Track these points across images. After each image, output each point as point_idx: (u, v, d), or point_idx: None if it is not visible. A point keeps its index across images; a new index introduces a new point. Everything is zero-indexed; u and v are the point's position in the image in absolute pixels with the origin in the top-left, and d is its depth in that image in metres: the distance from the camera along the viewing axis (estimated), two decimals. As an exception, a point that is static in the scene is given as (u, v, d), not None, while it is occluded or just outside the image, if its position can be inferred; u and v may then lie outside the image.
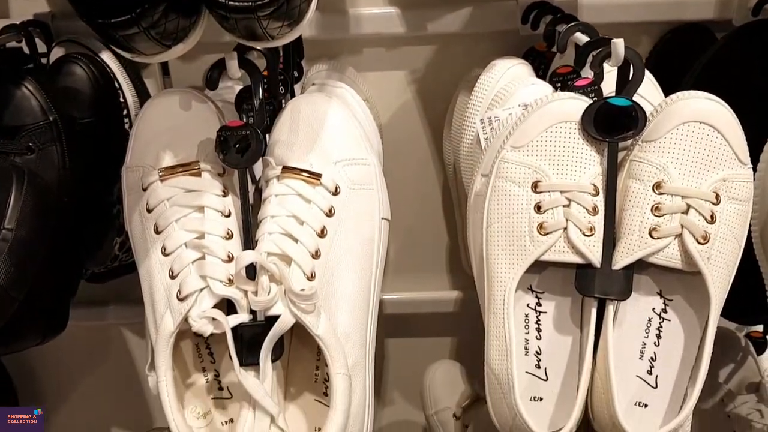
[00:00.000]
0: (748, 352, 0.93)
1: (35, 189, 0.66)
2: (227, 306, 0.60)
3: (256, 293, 0.59)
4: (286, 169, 0.63)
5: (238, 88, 0.67)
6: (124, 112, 0.82)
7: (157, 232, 0.61)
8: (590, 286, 0.59)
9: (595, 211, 0.59)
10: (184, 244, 0.60)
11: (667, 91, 0.64)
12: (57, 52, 0.81)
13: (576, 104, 0.60)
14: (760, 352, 0.95)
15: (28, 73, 0.72)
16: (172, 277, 0.60)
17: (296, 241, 0.60)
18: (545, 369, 0.62)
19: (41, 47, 0.81)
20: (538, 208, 0.59)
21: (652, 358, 0.61)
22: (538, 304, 0.62)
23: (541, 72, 0.80)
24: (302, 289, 0.57)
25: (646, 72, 0.62)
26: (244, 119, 0.63)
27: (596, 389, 0.59)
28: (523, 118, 0.62)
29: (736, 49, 0.79)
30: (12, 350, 0.73)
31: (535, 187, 0.60)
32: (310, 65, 0.86)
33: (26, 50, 0.79)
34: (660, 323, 0.61)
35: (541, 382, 0.62)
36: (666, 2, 0.84)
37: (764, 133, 0.67)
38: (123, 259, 0.83)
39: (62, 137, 0.72)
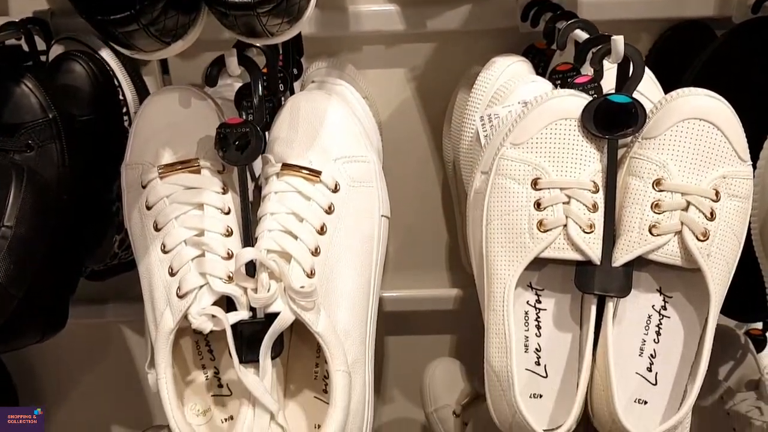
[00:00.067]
0: (747, 349, 0.93)
1: (35, 186, 0.66)
2: (227, 303, 0.60)
3: (255, 290, 0.59)
4: (286, 167, 0.63)
5: (238, 85, 0.67)
6: (124, 110, 0.82)
7: (157, 229, 0.61)
8: (590, 283, 0.59)
9: (594, 208, 0.59)
10: (184, 241, 0.60)
11: (667, 88, 0.64)
12: (56, 50, 0.81)
13: (576, 101, 0.60)
14: (759, 349, 0.95)
15: (28, 71, 0.72)
16: (172, 274, 0.60)
17: (296, 238, 0.60)
18: (545, 366, 0.62)
19: (40, 45, 0.81)
20: (537, 205, 0.59)
21: (651, 355, 0.61)
22: (538, 301, 0.62)
23: (540, 69, 0.80)
24: (302, 286, 0.57)
25: (646, 69, 0.62)
26: (244, 116, 0.63)
27: (596, 386, 0.59)
28: (522, 115, 0.62)
29: (735, 46, 0.79)
30: (11, 348, 0.73)
31: (534, 184, 0.60)
32: (309, 63, 0.86)
33: (25, 48, 0.79)
34: (660, 320, 0.61)
35: (540, 379, 0.62)
36: (666, -1, 0.84)
37: (764, 130, 0.67)
38: (122, 256, 0.83)
39: (61, 135, 0.72)
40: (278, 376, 0.62)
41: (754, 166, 0.63)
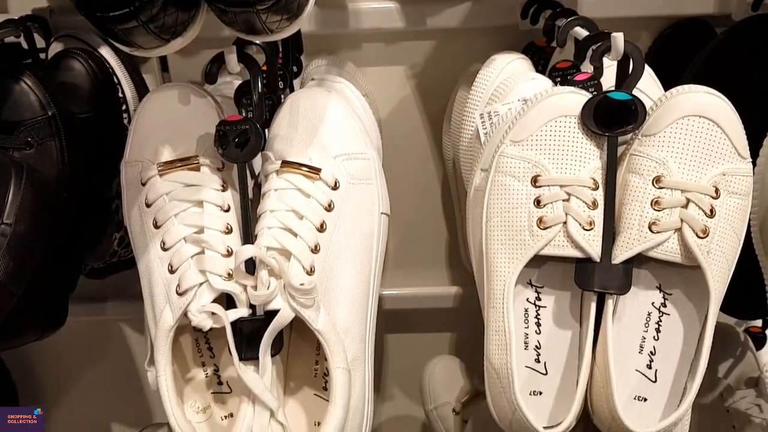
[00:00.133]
0: (747, 347, 0.93)
1: (34, 184, 0.66)
2: (226, 300, 0.60)
3: (255, 288, 0.59)
4: (286, 164, 0.63)
5: (237, 83, 0.67)
6: (123, 107, 0.82)
7: (156, 226, 0.61)
8: (590, 281, 0.59)
9: (594, 205, 0.59)
10: (184, 238, 0.60)
11: (667, 86, 0.64)
12: (55, 47, 0.81)
13: (576, 98, 0.60)
14: (759, 347, 0.95)
15: (27, 69, 0.72)
16: (172, 271, 0.60)
17: (295, 235, 0.60)
18: (545, 363, 0.62)
19: (40, 42, 0.81)
20: (537, 202, 0.59)
21: (651, 352, 0.61)
22: (538, 298, 0.62)
23: (540, 67, 0.80)
24: (302, 284, 0.57)
25: (646, 66, 0.62)
26: (243, 114, 0.63)
27: (596, 383, 0.59)
28: (522, 113, 0.62)
29: (735, 44, 0.79)
30: (11, 346, 0.73)
31: (534, 181, 0.60)
32: (309, 60, 0.86)
33: (25, 45, 0.79)
34: (659, 317, 0.61)
35: (540, 377, 0.62)
36: (665, -3, 0.84)
37: (764, 128, 0.67)
38: (122, 254, 0.83)
39: (61, 132, 0.72)
40: (278, 374, 0.62)
41: (754, 164, 0.63)
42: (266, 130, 0.65)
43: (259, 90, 0.63)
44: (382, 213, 0.66)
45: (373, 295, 0.65)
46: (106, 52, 0.81)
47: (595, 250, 0.58)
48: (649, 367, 0.61)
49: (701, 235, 0.57)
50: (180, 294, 0.59)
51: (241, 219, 0.61)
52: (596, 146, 0.60)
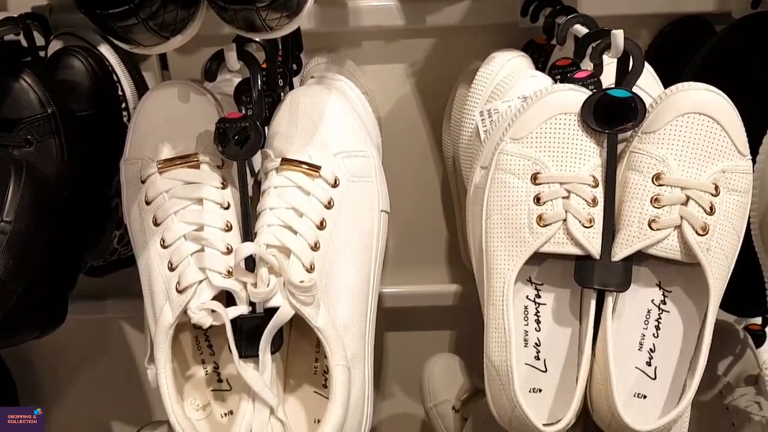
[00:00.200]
0: (746, 344, 0.94)
1: (34, 182, 0.66)
2: (226, 298, 0.60)
3: (255, 285, 0.59)
4: (285, 161, 0.63)
5: (237, 80, 0.67)
6: (123, 105, 0.82)
7: (156, 224, 0.61)
8: (589, 278, 0.59)
9: (594, 202, 0.59)
10: (183, 236, 0.60)
11: (667, 84, 0.64)
12: (55, 45, 0.81)
13: (575, 96, 0.60)
14: (758, 344, 0.95)
15: (26, 66, 0.72)
16: (171, 269, 0.60)
17: (295, 233, 0.60)
18: (544, 360, 0.62)
19: (39, 40, 0.81)
20: (537, 199, 0.59)
21: (651, 349, 0.61)
22: (538, 295, 0.62)
23: (540, 64, 0.80)
24: (301, 281, 0.57)
25: (646, 64, 0.62)
26: (243, 111, 0.63)
27: (595, 380, 0.59)
28: (522, 110, 0.62)
29: (735, 41, 0.79)
30: (10, 343, 0.73)
31: (534, 178, 0.60)
32: (309, 58, 0.85)
33: (24, 43, 0.78)
34: (659, 315, 0.61)
35: (540, 374, 0.62)
36: (665, -6, 0.84)
37: (763, 125, 0.67)
38: (122, 252, 0.83)
39: (60, 130, 0.72)
40: (278, 371, 0.62)
41: (754, 161, 0.63)
42: (266, 128, 0.65)
43: (259, 87, 0.63)
44: (381, 211, 0.66)
45: (373, 293, 0.65)
46: (105, 49, 0.81)
47: (594, 248, 0.58)
48: (649, 364, 0.61)
49: (701, 232, 0.57)
50: (180, 291, 0.59)
51: (241, 216, 0.61)
52: (596, 144, 0.60)
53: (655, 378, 0.61)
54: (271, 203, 0.61)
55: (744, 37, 0.79)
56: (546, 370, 0.62)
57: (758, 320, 0.97)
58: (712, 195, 0.58)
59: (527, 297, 0.62)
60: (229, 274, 0.59)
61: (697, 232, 0.57)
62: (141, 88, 0.84)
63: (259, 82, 0.63)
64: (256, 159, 0.66)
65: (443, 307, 1.02)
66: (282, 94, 0.71)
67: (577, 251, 0.58)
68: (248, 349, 0.59)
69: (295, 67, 0.81)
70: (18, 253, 0.62)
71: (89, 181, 0.76)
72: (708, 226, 0.57)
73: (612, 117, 0.59)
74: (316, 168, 0.63)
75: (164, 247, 0.61)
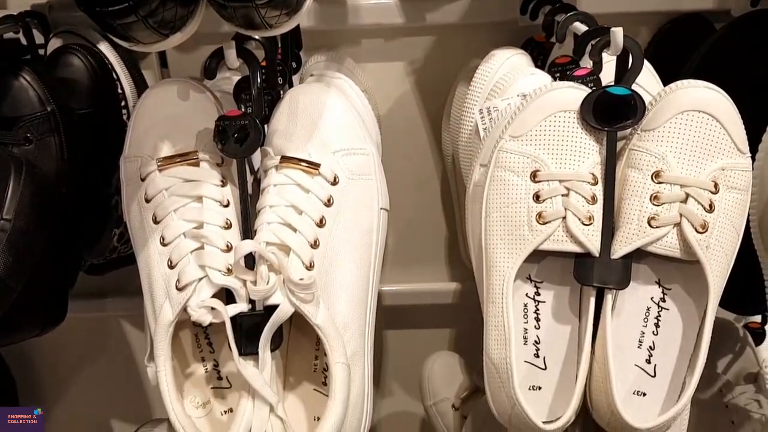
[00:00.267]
0: (746, 342, 0.94)
1: (33, 180, 0.66)
2: (226, 295, 0.60)
3: (255, 283, 0.59)
4: (285, 159, 0.63)
5: (236, 78, 0.67)
6: (122, 103, 0.82)
7: (156, 222, 0.61)
8: (589, 276, 0.59)
9: (593, 200, 0.59)
10: (183, 233, 0.60)
11: (667, 81, 0.64)
12: (54, 43, 0.81)
13: (575, 93, 0.60)
14: (758, 342, 0.96)
15: (26, 64, 0.72)
16: (171, 266, 0.60)
17: (295, 230, 0.60)
18: (544, 358, 0.62)
19: (39, 38, 0.80)
20: (536, 197, 0.59)
21: (650, 347, 0.61)
22: (537, 293, 0.62)
23: (540, 62, 0.80)
24: (301, 279, 0.57)
25: (645, 62, 0.62)
26: (243, 109, 0.63)
27: (595, 378, 0.59)
28: (521, 108, 0.62)
29: (734, 39, 0.79)
30: (10, 341, 0.73)
31: (533, 176, 0.60)
32: (308, 56, 0.85)
33: (24, 41, 0.78)
34: (658, 312, 0.61)
35: (539, 371, 0.62)
36: (665, -8, 0.84)
37: (763, 123, 0.67)
38: (121, 250, 0.83)
39: (60, 128, 0.72)
40: (277, 369, 0.62)
41: (753, 159, 0.63)
42: (265, 126, 0.65)
43: (258, 85, 0.63)
44: (381, 208, 0.66)
45: (373, 291, 0.65)
46: (105, 47, 0.81)
47: (594, 245, 0.58)
48: (648, 362, 0.61)
49: (700, 230, 0.57)
50: (179, 289, 0.59)
51: (241, 214, 0.61)
52: (595, 141, 0.60)
53: (654, 375, 0.61)
54: (270, 201, 0.61)
55: (743, 35, 0.79)
56: (545, 368, 0.62)
57: (758, 318, 0.97)
58: (712, 192, 0.58)
59: (527, 295, 0.63)
60: (229, 271, 0.59)
61: (696, 230, 0.57)
62: (140, 86, 0.84)
63: (259, 80, 0.63)
64: (256, 157, 0.66)
65: (443, 305, 1.02)
66: (281, 92, 0.71)
67: (576, 249, 0.58)
68: (248, 347, 0.59)
69: (294, 65, 0.81)
70: (18, 251, 0.62)
71: (89, 179, 0.76)
72: (707, 223, 0.57)
73: (611, 114, 0.59)
74: (315, 166, 0.63)
75: (164, 244, 0.61)
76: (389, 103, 0.93)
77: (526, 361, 0.62)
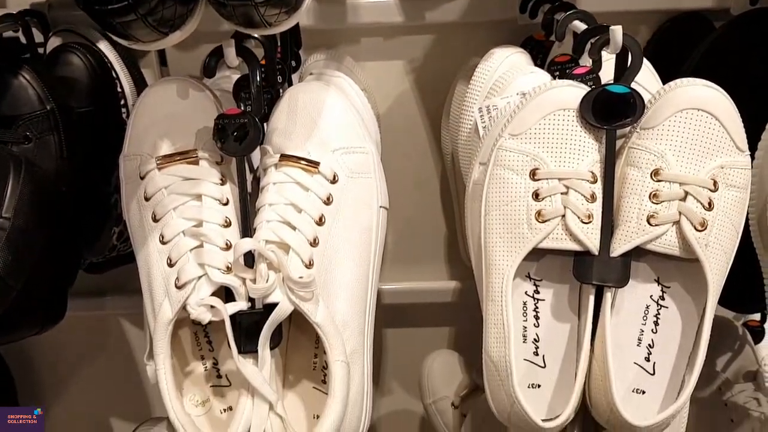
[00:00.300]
0: (745, 340, 0.94)
1: (33, 178, 0.66)
2: (225, 294, 0.60)
3: (254, 281, 0.59)
4: (284, 158, 0.63)
5: (236, 77, 0.67)
6: (122, 102, 0.82)
7: (155, 220, 0.61)
8: (588, 274, 0.59)
9: (593, 198, 0.59)
10: (182, 232, 0.60)
11: (666, 80, 0.64)
12: (54, 42, 0.81)
13: (574, 92, 0.60)
14: (757, 340, 0.96)
15: (25, 63, 0.72)
16: (170, 265, 0.60)
17: (294, 229, 0.60)
18: (543, 356, 0.62)
19: (38, 37, 0.81)
20: (536, 195, 0.59)
21: (649, 345, 0.61)
22: (536, 291, 0.62)
23: (539, 61, 0.80)
24: (300, 277, 0.58)
25: (644, 60, 0.62)
26: (242, 107, 0.63)
27: (594, 376, 0.59)
28: (521, 106, 0.62)
29: (734, 38, 0.79)
30: (10, 340, 0.74)
31: (533, 174, 0.60)
32: (307, 55, 0.85)
33: (23, 40, 0.78)
34: (658, 310, 0.61)
35: (539, 370, 0.62)
36: (664, -9, 0.84)
37: (762, 121, 0.67)
38: (121, 249, 0.83)
39: (59, 126, 0.72)
40: (277, 367, 0.62)
41: (752, 157, 0.63)
42: (265, 124, 0.65)
43: (258, 84, 0.63)
44: (380, 207, 0.66)
45: (372, 289, 0.65)
46: (104, 46, 0.81)
47: (593, 243, 0.58)
48: (648, 360, 0.61)
49: (699, 228, 0.57)
50: (179, 287, 0.59)
51: (240, 212, 0.61)
52: (595, 139, 0.60)
53: (653, 373, 0.61)
54: (270, 199, 0.61)
55: (742, 34, 0.79)
56: (545, 366, 0.62)
57: (757, 316, 0.97)
58: (711, 191, 0.58)
59: (526, 293, 0.63)
60: (228, 270, 0.59)
61: (695, 228, 0.57)
62: (140, 84, 0.84)
63: (258, 79, 0.63)
64: (255, 155, 0.66)
65: (442, 304, 1.02)
66: (281, 90, 0.71)
67: (575, 247, 0.58)
68: (247, 345, 0.59)
69: (293, 63, 0.81)
70: (17, 250, 0.62)
71: (88, 178, 0.76)
72: (706, 221, 0.57)
73: (611, 113, 0.59)
74: (314, 164, 0.63)
75: (163, 243, 0.61)
76: (388, 102, 0.93)
77: (525, 359, 0.62)
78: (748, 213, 0.61)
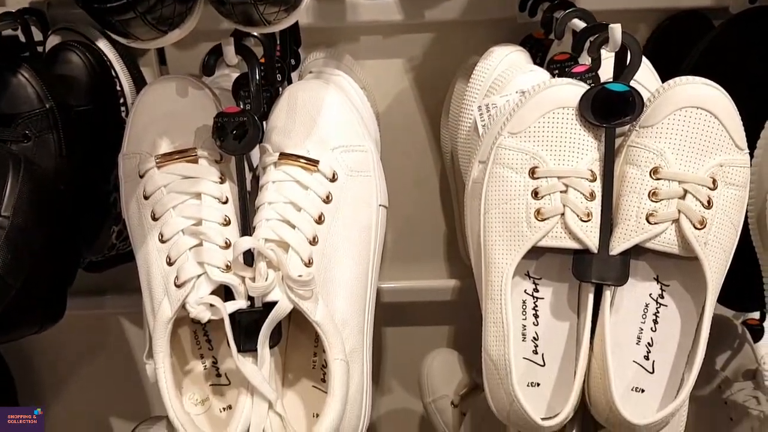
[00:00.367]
0: (744, 339, 0.94)
1: (32, 177, 0.66)
2: (225, 292, 0.60)
3: (253, 279, 0.59)
4: (284, 156, 0.63)
5: (235, 75, 0.67)
6: (121, 100, 0.82)
7: (155, 218, 0.61)
8: (587, 272, 0.59)
9: (592, 196, 0.59)
10: (182, 230, 0.60)
11: (665, 78, 0.64)
12: (53, 40, 0.81)
13: (573, 90, 0.60)
14: (756, 339, 0.96)
15: (24, 61, 0.72)
16: (170, 263, 0.60)
17: (294, 227, 0.60)
18: (542, 354, 0.62)
19: (37, 35, 0.81)
20: (535, 194, 0.59)
21: (649, 343, 0.61)
22: (536, 290, 0.62)
23: (538, 60, 0.80)
24: (300, 275, 0.58)
25: (643, 59, 0.63)
26: (241, 106, 0.63)
27: (593, 374, 0.59)
28: (520, 105, 0.62)
29: (733, 36, 0.79)
30: (9, 339, 0.73)
31: (532, 173, 0.60)
32: (307, 53, 0.85)
33: (22, 38, 0.79)
34: (657, 309, 0.61)
35: (538, 368, 0.62)
36: (664, -11, 0.84)
37: (761, 119, 0.67)
38: (120, 248, 0.83)
39: (59, 125, 0.72)
40: (276, 366, 0.62)
41: (752, 155, 0.63)
42: (264, 123, 0.65)
43: (257, 82, 0.63)
44: (380, 205, 0.66)
45: (372, 288, 0.65)
46: (103, 44, 0.81)
47: (592, 242, 0.58)
48: (647, 358, 0.61)
49: (698, 226, 0.57)
50: (178, 286, 0.59)
51: (240, 211, 0.61)
52: (594, 138, 0.60)
53: (653, 372, 0.61)
54: (269, 198, 0.61)
55: (742, 32, 0.79)
56: (544, 364, 0.62)
57: (756, 315, 0.97)
58: (710, 189, 0.58)
59: (525, 291, 0.63)
60: (228, 268, 0.59)
61: (694, 226, 0.57)
62: (139, 83, 0.84)
63: (257, 77, 0.63)
64: (255, 153, 0.66)
65: (442, 302, 1.02)
66: (280, 88, 0.71)
67: (575, 245, 0.58)
68: (247, 344, 0.59)
69: (293, 61, 0.81)
70: (16, 248, 0.62)
71: (87, 176, 0.76)
72: (706, 219, 0.57)
73: (610, 111, 0.59)
74: (314, 162, 0.63)
75: (163, 241, 0.61)
76: (388, 100, 0.93)
77: (524, 358, 0.62)
78: (747, 211, 0.61)
